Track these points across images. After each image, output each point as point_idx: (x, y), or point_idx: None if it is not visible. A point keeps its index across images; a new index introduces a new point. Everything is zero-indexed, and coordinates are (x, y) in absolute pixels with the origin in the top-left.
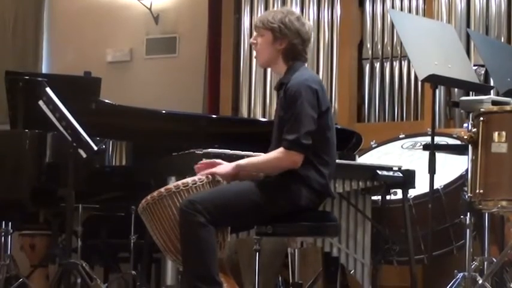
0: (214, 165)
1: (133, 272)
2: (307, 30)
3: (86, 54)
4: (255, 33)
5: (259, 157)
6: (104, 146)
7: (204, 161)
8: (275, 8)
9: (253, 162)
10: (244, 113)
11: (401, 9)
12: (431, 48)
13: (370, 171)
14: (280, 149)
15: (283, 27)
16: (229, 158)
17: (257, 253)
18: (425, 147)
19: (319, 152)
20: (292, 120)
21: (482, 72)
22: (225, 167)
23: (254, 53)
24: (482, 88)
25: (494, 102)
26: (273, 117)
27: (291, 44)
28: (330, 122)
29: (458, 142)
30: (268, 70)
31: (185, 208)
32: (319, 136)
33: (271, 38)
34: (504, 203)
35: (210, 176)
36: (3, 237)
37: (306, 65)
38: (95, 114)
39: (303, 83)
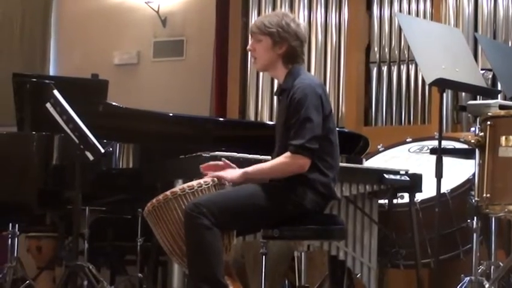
0: (220, 167)
1: (139, 275)
2: (303, 32)
3: (93, 57)
4: (251, 39)
5: (266, 163)
6: (111, 149)
7: (211, 162)
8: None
9: (260, 168)
10: (252, 116)
11: (409, 13)
12: (439, 52)
13: (377, 174)
14: (287, 154)
15: (282, 30)
16: (236, 161)
17: (263, 256)
18: (433, 151)
19: (324, 155)
20: (298, 125)
21: (490, 76)
22: (233, 172)
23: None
24: (490, 92)
25: (501, 107)
26: None
27: (291, 47)
28: (332, 125)
29: (465, 146)
30: None
31: (190, 211)
32: (323, 139)
33: (270, 42)
34: (511, 207)
35: (215, 179)
36: (10, 239)
37: (304, 67)
38: (102, 117)
39: (307, 88)
